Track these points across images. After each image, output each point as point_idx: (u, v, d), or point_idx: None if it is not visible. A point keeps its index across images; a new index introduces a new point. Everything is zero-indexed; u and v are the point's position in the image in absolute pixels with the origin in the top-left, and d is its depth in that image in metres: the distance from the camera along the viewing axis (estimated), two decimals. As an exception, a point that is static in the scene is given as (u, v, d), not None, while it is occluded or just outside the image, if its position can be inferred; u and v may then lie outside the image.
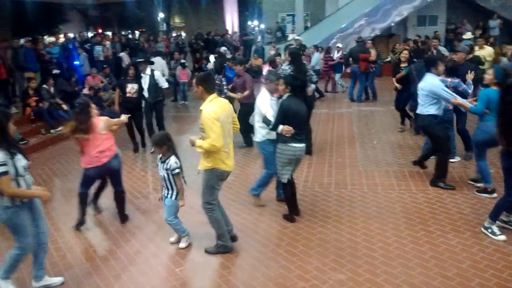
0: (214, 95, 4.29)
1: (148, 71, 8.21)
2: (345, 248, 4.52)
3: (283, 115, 4.86)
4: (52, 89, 10.56)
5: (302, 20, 20.38)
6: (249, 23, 37.46)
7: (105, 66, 13.10)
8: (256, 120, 5.44)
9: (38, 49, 11.79)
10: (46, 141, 9.43)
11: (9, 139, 3.68)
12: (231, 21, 31.67)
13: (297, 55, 7.55)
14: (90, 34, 22.95)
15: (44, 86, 10.50)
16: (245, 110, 7.97)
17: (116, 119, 5.42)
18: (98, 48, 13.84)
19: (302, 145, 5.03)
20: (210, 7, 29.77)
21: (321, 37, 17.69)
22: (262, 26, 26.82)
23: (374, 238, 4.70)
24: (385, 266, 4.18)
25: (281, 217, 5.30)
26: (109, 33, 19.86)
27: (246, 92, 8.05)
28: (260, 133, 5.38)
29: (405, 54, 8.86)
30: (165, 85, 8.52)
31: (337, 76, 13.83)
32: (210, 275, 4.26)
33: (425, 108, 5.94)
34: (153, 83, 8.18)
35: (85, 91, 11.59)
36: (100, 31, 27.71)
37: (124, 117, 5.55)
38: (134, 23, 32.98)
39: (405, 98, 8.62)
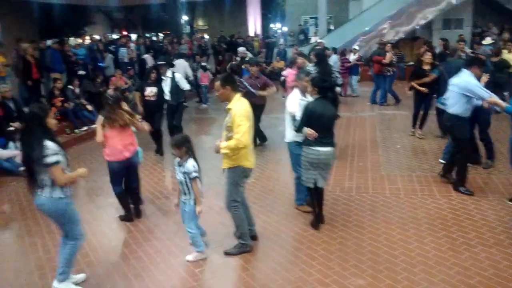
0: (239, 94, 4.36)
1: (169, 73, 8.24)
2: (366, 253, 4.47)
3: (307, 118, 4.78)
4: (77, 90, 10.76)
5: (325, 22, 20.29)
6: (272, 25, 37.51)
7: (129, 67, 13.28)
8: (286, 120, 5.37)
9: (64, 50, 12.03)
10: (71, 141, 9.59)
11: (51, 132, 3.80)
12: (254, 24, 31.75)
13: (322, 56, 7.51)
14: (115, 36, 23.35)
15: (70, 86, 10.71)
16: (260, 111, 8.12)
17: (139, 123, 5.53)
18: (122, 50, 14.04)
19: (328, 149, 4.82)
20: (234, 10, 29.90)
21: (344, 40, 17.57)
22: (285, 28, 26.80)
23: (396, 244, 4.63)
24: (406, 272, 4.12)
25: (302, 220, 5.28)
26: (134, 35, 20.11)
27: (274, 88, 8.20)
28: (290, 134, 5.29)
29: (428, 57, 8.60)
30: (186, 87, 8.52)
31: (354, 79, 13.65)
32: (229, 277, 4.27)
33: (453, 107, 5.81)
34: (175, 85, 8.21)
35: (110, 92, 11.75)
36: (125, 33, 28.13)
37: (146, 126, 5.78)
38: (158, 25, 33.38)
39: (429, 101, 8.48)
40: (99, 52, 13.56)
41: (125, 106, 5.37)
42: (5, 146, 7.91)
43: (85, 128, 10.37)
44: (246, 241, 4.61)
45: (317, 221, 5.09)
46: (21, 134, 3.86)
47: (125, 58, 13.92)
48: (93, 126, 10.55)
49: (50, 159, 3.63)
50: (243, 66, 9.59)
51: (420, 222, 5.11)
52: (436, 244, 4.58)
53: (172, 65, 8.77)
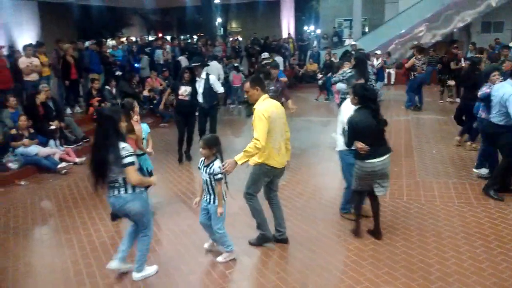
0: (266, 95, 4.53)
1: (203, 75, 7.98)
2: (399, 261, 4.38)
3: (354, 132, 4.57)
4: (114, 90, 11.01)
5: (360, 25, 20.10)
6: (306, 28, 37.38)
7: (164, 69, 13.50)
8: (338, 128, 5.19)
9: (102, 51, 12.35)
10: (107, 140, 9.81)
11: (123, 135, 3.99)
12: (287, 26, 31.74)
13: (362, 60, 7.08)
14: (151, 38, 23.77)
15: (107, 87, 10.98)
16: None
17: (140, 144, 5.36)
18: (158, 51, 14.28)
19: (382, 158, 4.60)
20: (267, 12, 29.96)
21: (379, 43, 17.34)
22: (319, 31, 26.66)
23: (431, 252, 4.53)
24: (441, 281, 4.02)
25: (334, 225, 5.23)
26: (169, 37, 20.43)
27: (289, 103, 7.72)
28: (341, 142, 5.05)
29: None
30: (220, 89, 8.22)
31: (379, 85, 13.05)
32: (259, 279, 4.26)
33: (495, 117, 5.64)
34: (208, 87, 7.94)
35: (145, 93, 12.00)
36: (160, 35, 28.62)
37: (149, 149, 5.55)
38: (193, 27, 33.81)
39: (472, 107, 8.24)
40: (135, 54, 13.84)
41: (136, 113, 5.31)
42: (45, 144, 8.17)
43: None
44: (264, 231, 4.74)
45: (374, 233, 4.89)
46: (96, 137, 3.95)
47: (160, 60, 14.16)
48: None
49: (127, 160, 3.82)
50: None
51: (456, 230, 4.98)
52: (473, 254, 4.45)
53: (207, 65, 8.63)
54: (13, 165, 7.58)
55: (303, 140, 8.90)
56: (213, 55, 14.46)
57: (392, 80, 16.13)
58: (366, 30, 21.90)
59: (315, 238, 4.96)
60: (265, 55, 12.69)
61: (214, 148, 4.34)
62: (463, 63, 12.07)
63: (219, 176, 4.31)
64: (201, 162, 4.43)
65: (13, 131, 7.73)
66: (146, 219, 4.17)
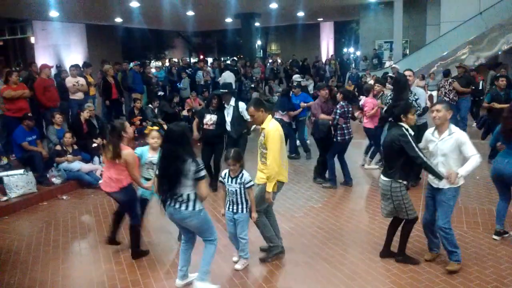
0: (271, 115, 4.81)
1: (232, 102, 7.40)
2: (439, 290, 4.22)
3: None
4: (156, 110, 11.31)
5: (400, 47, 19.89)
6: (345, 50, 37.36)
7: (204, 89, 13.77)
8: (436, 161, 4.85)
9: (145, 72, 12.76)
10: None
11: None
12: (326, 48, 31.84)
13: (399, 82, 6.95)
14: (193, 60, 24.35)
15: (150, 106, 11.29)
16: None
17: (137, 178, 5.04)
18: (199, 72, 14.62)
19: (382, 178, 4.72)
20: (306, 34, 30.22)
21: (420, 65, 17.08)
22: (358, 53, 26.57)
23: (473, 282, 4.32)
24: (484, 314, 3.82)
25: (369, 250, 5.10)
26: (210, 59, 20.88)
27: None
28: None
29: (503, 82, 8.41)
30: (247, 117, 7.28)
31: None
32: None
33: None
34: (237, 115, 7.36)
35: (184, 112, 12.25)
36: (201, 56, 29.29)
37: (148, 185, 5.19)
38: (233, 49, 34.44)
39: None
40: (177, 75, 14.21)
41: (127, 135, 5.02)
42: (89, 161, 8.44)
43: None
44: (275, 243, 4.90)
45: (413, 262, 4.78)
46: (170, 151, 4.03)
47: (201, 81, 14.47)
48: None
49: (202, 173, 4.02)
50: (292, 91, 9.72)
51: (501, 261, 4.74)
52: (519, 286, 4.23)
53: (236, 94, 8.38)
54: (56, 180, 7.86)
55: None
56: (226, 65, 14.62)
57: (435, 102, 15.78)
58: (407, 52, 21.62)
59: (351, 263, 4.85)
60: (297, 77, 12.79)
61: (241, 161, 4.63)
62: None
63: (252, 183, 4.63)
64: (226, 176, 4.67)
65: (58, 147, 8.03)
66: (208, 233, 4.27)
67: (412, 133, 4.56)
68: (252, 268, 4.83)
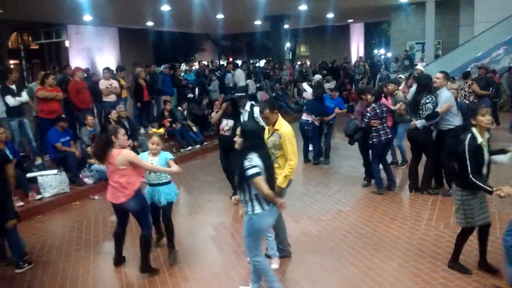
0: (280, 116, 4.90)
1: (247, 106, 6.91)
2: (471, 298, 4.10)
3: None
4: (185, 112, 11.45)
5: (432, 48, 19.45)
6: (376, 51, 36.89)
7: (233, 92, 13.82)
8: None
9: (175, 75, 12.93)
10: (176, 160, 9.90)
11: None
12: (356, 50, 31.50)
13: (419, 82, 6.95)
14: (222, 62, 24.52)
15: (179, 108, 11.44)
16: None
17: (146, 163, 4.79)
18: (228, 75, 14.70)
19: None
20: (336, 36, 29.95)
21: (454, 66, 16.65)
22: (389, 54, 26.18)
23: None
24: (519, 324, 3.69)
25: (399, 255, 5.01)
26: (239, 61, 20.99)
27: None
28: None
29: None
30: None
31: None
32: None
33: None
34: (252, 121, 6.77)
35: (213, 114, 12.32)
36: (230, 59, 29.46)
37: (175, 168, 4.95)
38: (262, 52, 34.50)
39: None
40: (206, 77, 14.34)
41: (120, 140, 4.65)
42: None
43: (189, 147, 10.99)
44: (284, 246, 4.99)
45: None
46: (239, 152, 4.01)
47: (230, 83, 14.55)
48: (197, 146, 11.16)
49: (250, 172, 3.82)
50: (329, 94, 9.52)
51: (537, 268, 4.57)
52: (557, 296, 4.06)
53: (253, 98, 7.71)
54: (88, 180, 8.05)
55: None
56: (235, 64, 14.45)
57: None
58: (439, 53, 21.14)
59: (379, 268, 4.77)
60: (318, 77, 12.68)
61: None
62: None
63: None
64: None
65: (89, 149, 8.22)
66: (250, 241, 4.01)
67: (484, 143, 4.45)
68: (280, 272, 4.83)
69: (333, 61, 21.66)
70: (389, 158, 8.32)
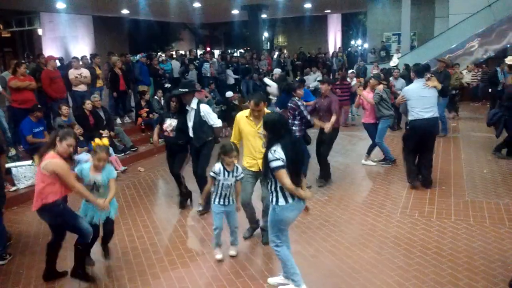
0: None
1: (193, 104, 6.17)
2: (445, 283, 4.20)
3: None
4: (162, 101, 11.33)
5: (408, 39, 19.73)
6: (353, 42, 37.14)
7: (211, 82, 13.77)
8: None
9: (152, 64, 12.79)
10: (153, 150, 10.03)
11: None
12: (334, 40, 31.67)
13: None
14: (199, 52, 24.35)
15: (156, 97, 11.32)
16: (330, 136, 7.10)
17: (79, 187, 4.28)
18: (206, 65, 14.62)
19: None
20: (314, 27, 30.07)
21: (428, 57, 16.91)
22: (366, 45, 26.41)
23: (478, 275, 4.32)
24: (490, 308, 3.82)
25: (375, 243, 5.10)
26: (217, 51, 20.90)
27: (333, 118, 6.95)
28: None
29: None
30: (216, 123, 6.23)
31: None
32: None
33: None
34: (198, 120, 6.12)
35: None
36: (208, 49, 29.25)
37: (100, 202, 4.36)
38: (240, 41, 34.34)
39: None
40: (184, 67, 14.23)
41: (64, 145, 4.18)
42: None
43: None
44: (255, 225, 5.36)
45: None
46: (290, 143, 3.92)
47: (207, 73, 14.47)
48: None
49: (272, 164, 3.80)
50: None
51: (507, 254, 4.72)
52: (526, 280, 4.21)
53: (194, 91, 6.37)
54: (63, 172, 7.89)
55: (348, 155, 8.77)
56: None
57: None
58: (415, 44, 21.44)
59: (356, 256, 4.85)
60: (277, 71, 12.46)
61: (237, 154, 4.76)
62: None
63: (242, 175, 4.85)
64: (221, 170, 4.71)
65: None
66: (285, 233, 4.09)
67: None
68: (257, 259, 4.87)
69: (312, 52, 21.69)
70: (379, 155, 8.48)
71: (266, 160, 3.85)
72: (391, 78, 11.16)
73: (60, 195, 4.22)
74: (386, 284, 4.25)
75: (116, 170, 7.71)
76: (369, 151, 8.45)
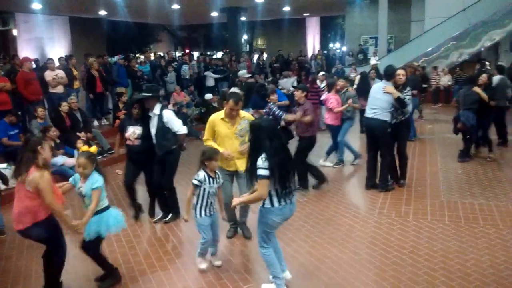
0: None
1: (157, 109, 5.73)
2: (421, 282, 4.28)
3: None
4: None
5: (385, 42, 20.00)
6: (331, 45, 37.49)
7: (190, 84, 13.72)
8: None
9: (130, 66, 12.67)
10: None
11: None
12: (312, 43, 31.92)
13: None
14: (178, 54, 24.19)
15: (133, 100, 11.21)
16: (304, 146, 6.95)
17: (61, 185, 4.24)
18: (185, 67, 14.56)
19: None
20: (292, 29, 30.25)
21: (405, 60, 17.16)
22: (344, 48, 26.70)
23: (454, 274, 4.40)
24: (465, 305, 3.90)
25: (354, 244, 5.16)
26: (196, 53, 20.83)
27: (308, 117, 6.73)
28: None
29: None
30: (180, 129, 5.79)
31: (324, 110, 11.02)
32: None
33: None
34: (161, 126, 5.68)
35: (170, 107, 12.19)
36: (187, 51, 29.14)
37: (71, 225, 4.01)
38: (219, 44, 34.31)
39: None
40: (163, 69, 14.14)
41: (44, 153, 3.93)
42: (72, 155, 8.35)
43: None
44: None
45: None
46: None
47: (186, 75, 14.42)
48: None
49: (258, 172, 3.79)
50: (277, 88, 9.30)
51: (481, 253, 4.83)
52: (498, 277, 4.31)
53: (158, 98, 5.98)
54: (39, 174, 7.74)
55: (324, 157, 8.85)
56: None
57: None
58: (392, 47, 21.77)
59: (335, 256, 4.90)
60: (242, 73, 12.23)
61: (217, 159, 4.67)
62: None
63: (222, 180, 4.73)
64: (206, 178, 4.50)
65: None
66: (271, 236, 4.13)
67: None
68: (236, 260, 4.87)
69: (290, 54, 21.77)
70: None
71: (253, 166, 3.78)
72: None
73: (45, 214, 3.95)
74: (363, 284, 4.30)
75: None
76: (329, 152, 8.63)
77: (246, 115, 5.13)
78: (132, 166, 6.05)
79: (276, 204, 3.86)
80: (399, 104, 6.51)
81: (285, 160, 3.89)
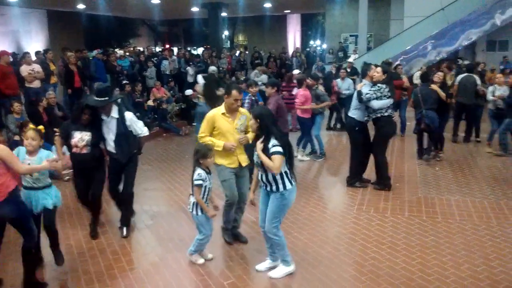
0: None
1: (114, 112, 5.21)
2: (399, 277, 4.35)
3: None
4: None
5: (365, 40, 20.16)
6: (312, 42, 37.65)
7: (170, 79, 13.60)
8: None
9: (109, 60, 12.49)
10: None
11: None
12: (293, 40, 32.01)
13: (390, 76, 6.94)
14: (158, 49, 23.97)
15: (112, 95, 11.07)
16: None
17: (19, 164, 4.00)
18: (165, 62, 14.42)
19: None
20: (273, 26, 30.27)
21: (384, 58, 17.38)
22: (325, 45, 26.83)
23: (431, 269, 4.49)
24: (441, 299, 3.98)
25: (332, 239, 5.21)
26: (176, 49, 20.65)
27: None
28: None
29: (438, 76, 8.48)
30: (144, 131, 5.44)
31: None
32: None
33: None
34: (123, 131, 5.22)
35: (150, 102, 12.08)
36: (167, 46, 28.88)
37: (46, 163, 4.13)
38: (200, 39, 34.11)
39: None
40: (142, 64, 13.99)
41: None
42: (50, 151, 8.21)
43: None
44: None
45: None
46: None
47: (166, 70, 14.29)
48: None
49: (273, 149, 4.07)
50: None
51: (457, 248, 4.94)
52: (473, 272, 4.41)
53: (117, 101, 5.38)
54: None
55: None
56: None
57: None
58: (372, 46, 21.97)
59: (315, 252, 4.94)
60: (212, 68, 12.01)
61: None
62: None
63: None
64: (204, 173, 4.52)
65: (17, 137, 7.78)
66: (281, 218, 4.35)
67: None
68: (218, 258, 4.87)
69: (282, 52, 21.70)
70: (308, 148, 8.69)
71: (267, 150, 4.03)
72: (338, 80, 11.30)
73: (12, 186, 3.97)
74: (342, 279, 4.35)
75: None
76: (304, 146, 8.82)
77: (244, 111, 5.04)
78: (81, 180, 5.35)
79: (292, 183, 4.20)
80: (358, 99, 6.65)
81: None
